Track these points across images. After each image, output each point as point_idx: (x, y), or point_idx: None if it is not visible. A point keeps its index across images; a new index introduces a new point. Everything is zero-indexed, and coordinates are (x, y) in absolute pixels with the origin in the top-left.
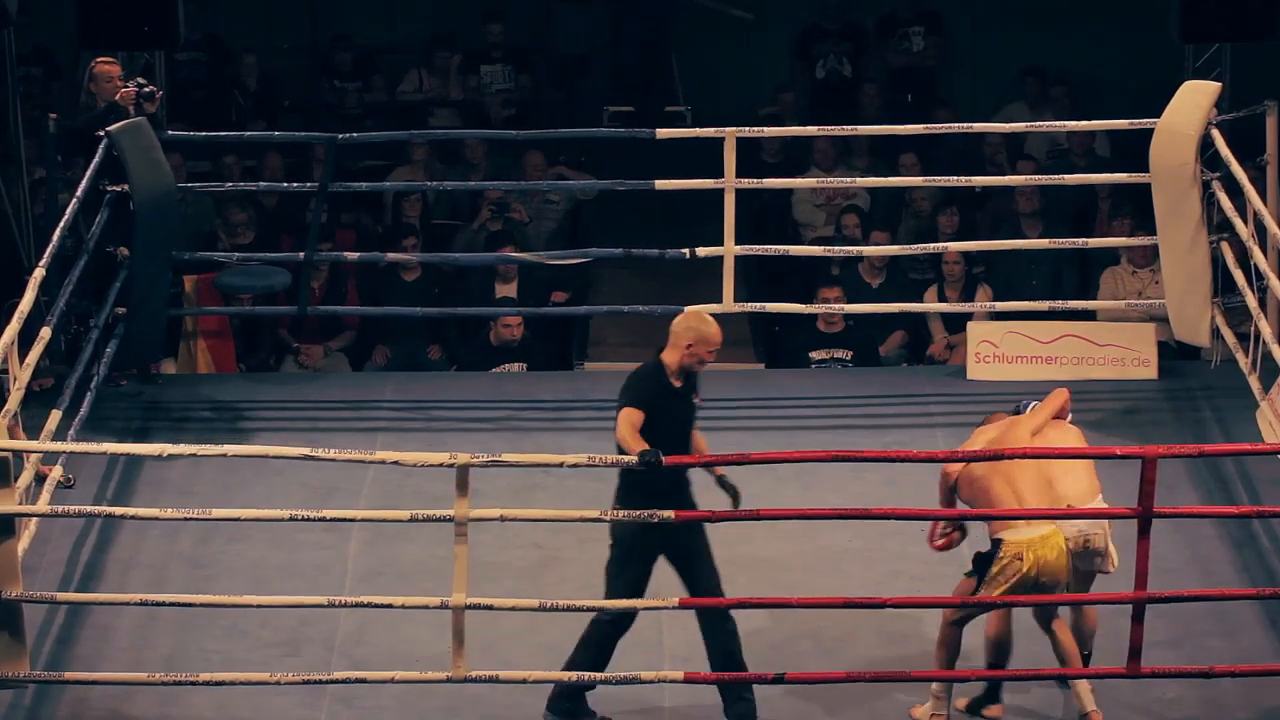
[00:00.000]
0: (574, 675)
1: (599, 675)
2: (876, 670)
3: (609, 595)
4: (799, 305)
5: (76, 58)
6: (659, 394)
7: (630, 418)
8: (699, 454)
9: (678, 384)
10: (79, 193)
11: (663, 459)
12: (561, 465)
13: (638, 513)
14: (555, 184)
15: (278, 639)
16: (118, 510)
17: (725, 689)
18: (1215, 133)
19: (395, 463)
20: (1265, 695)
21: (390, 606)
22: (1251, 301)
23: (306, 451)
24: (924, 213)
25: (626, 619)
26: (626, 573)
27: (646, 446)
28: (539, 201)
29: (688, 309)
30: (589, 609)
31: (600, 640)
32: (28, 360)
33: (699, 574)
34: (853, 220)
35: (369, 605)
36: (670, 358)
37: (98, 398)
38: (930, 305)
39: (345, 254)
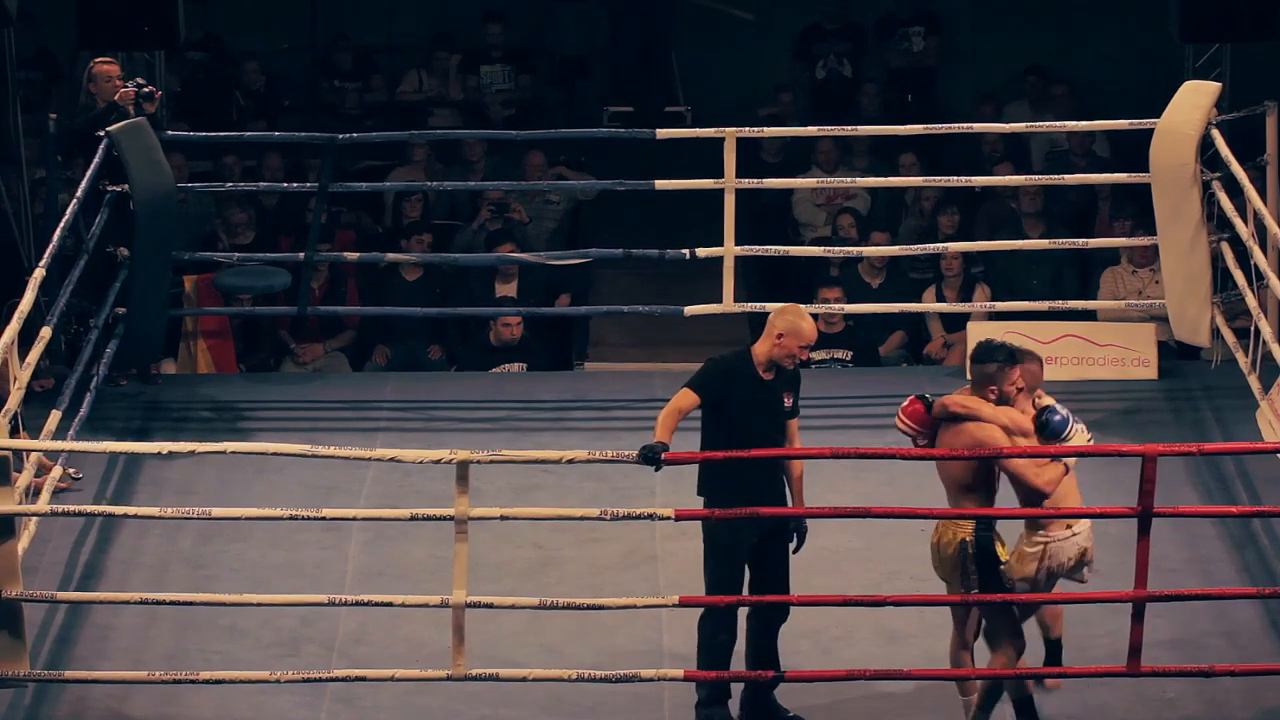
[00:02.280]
0: (575, 673)
1: (599, 673)
2: (876, 669)
3: (707, 590)
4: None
5: (76, 58)
6: (736, 380)
7: (678, 399)
8: (795, 451)
9: (766, 375)
10: (79, 193)
11: (662, 457)
12: (560, 461)
13: (636, 511)
14: (555, 184)
15: (278, 639)
16: (118, 510)
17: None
18: (1215, 133)
19: (395, 460)
20: (1265, 695)
21: (390, 605)
22: (1252, 301)
23: (306, 448)
24: (928, 212)
25: (727, 618)
26: (718, 569)
27: (669, 432)
28: (539, 201)
29: (786, 305)
30: (589, 608)
31: (714, 648)
32: (28, 360)
33: (771, 576)
34: (848, 221)
35: (369, 604)
36: (760, 348)
37: (98, 398)
38: (930, 305)
39: (345, 254)
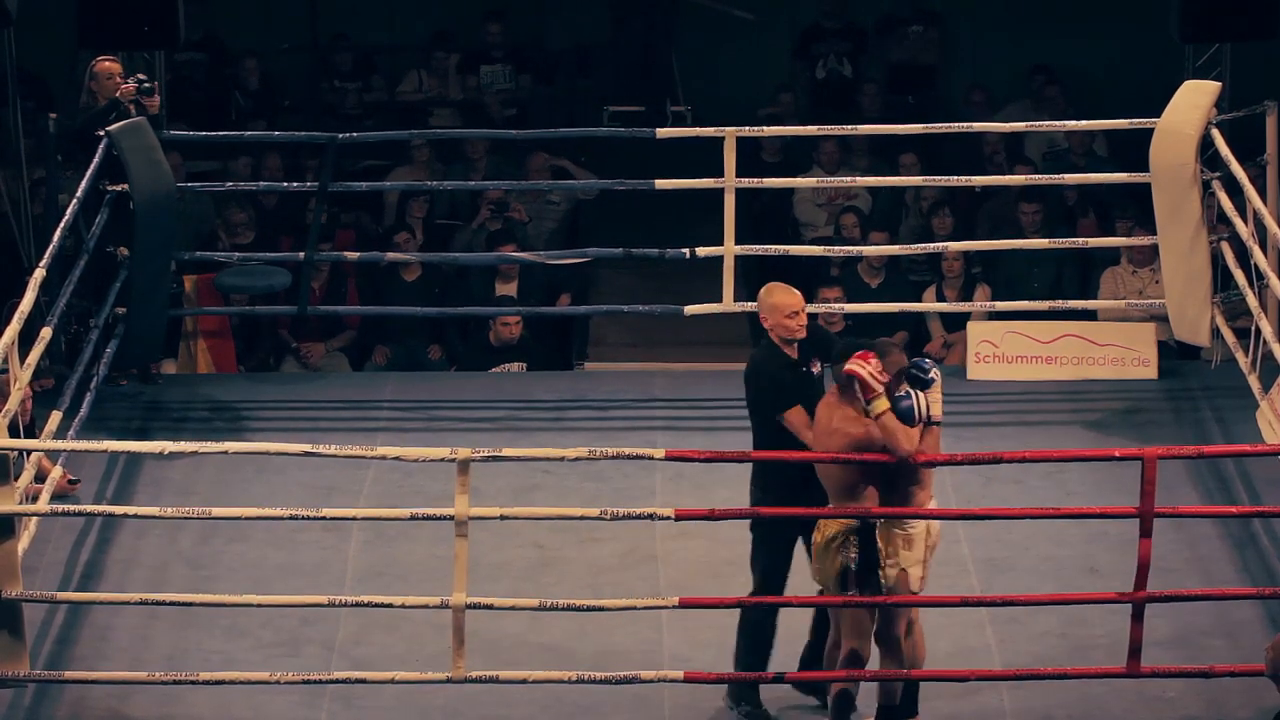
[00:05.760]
0: (575, 675)
1: (600, 675)
2: (876, 670)
3: (755, 579)
4: None
5: (76, 58)
6: (793, 377)
7: (802, 419)
8: (786, 456)
9: (794, 355)
10: (79, 193)
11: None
12: (561, 458)
13: (636, 511)
14: (555, 184)
15: (278, 639)
16: (118, 510)
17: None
18: (1215, 133)
19: (396, 459)
20: (1265, 695)
21: (390, 606)
22: (1252, 301)
23: (307, 448)
24: (927, 212)
25: (771, 605)
26: (766, 557)
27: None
28: (539, 201)
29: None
30: (589, 608)
31: (754, 630)
32: (28, 360)
33: None
34: (851, 220)
35: (369, 604)
36: (774, 336)
37: (98, 398)
38: (929, 305)
39: (345, 254)
